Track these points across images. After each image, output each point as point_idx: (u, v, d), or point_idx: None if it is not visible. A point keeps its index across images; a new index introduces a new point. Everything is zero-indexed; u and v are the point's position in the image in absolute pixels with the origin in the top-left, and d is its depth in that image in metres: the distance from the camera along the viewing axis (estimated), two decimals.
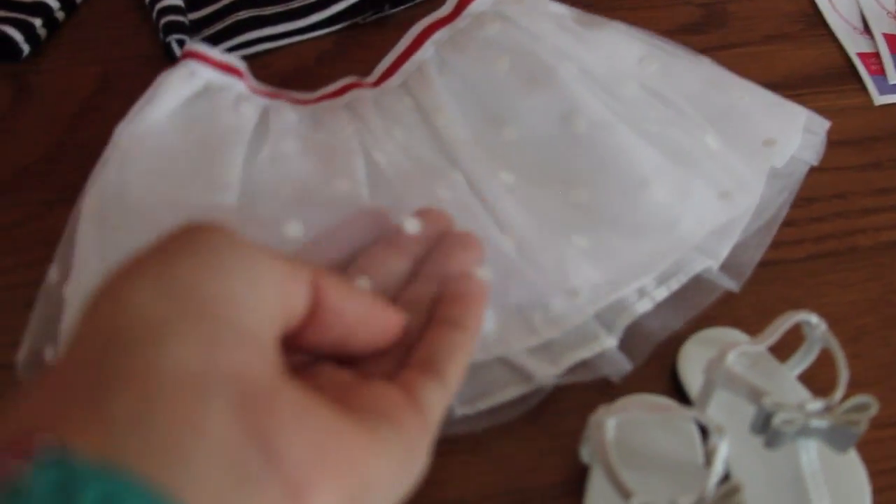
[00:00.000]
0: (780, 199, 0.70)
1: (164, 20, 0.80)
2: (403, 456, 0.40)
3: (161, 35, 0.80)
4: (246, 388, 0.34)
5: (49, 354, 0.62)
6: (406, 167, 0.67)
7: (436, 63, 0.74)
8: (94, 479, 0.29)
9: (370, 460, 0.37)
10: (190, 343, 0.34)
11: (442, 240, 0.52)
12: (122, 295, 0.35)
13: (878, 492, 0.59)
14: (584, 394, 0.63)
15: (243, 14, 0.81)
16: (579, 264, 0.64)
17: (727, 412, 0.60)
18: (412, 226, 0.52)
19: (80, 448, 0.30)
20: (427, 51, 0.75)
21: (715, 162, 0.68)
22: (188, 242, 0.37)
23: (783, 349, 0.63)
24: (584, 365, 0.62)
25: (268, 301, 0.37)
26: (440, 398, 0.44)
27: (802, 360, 0.62)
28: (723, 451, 0.53)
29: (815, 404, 0.56)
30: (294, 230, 0.61)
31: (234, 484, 0.32)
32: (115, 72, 0.80)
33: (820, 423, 0.55)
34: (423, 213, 0.53)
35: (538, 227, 0.65)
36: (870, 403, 0.55)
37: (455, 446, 0.61)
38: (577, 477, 0.60)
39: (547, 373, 0.62)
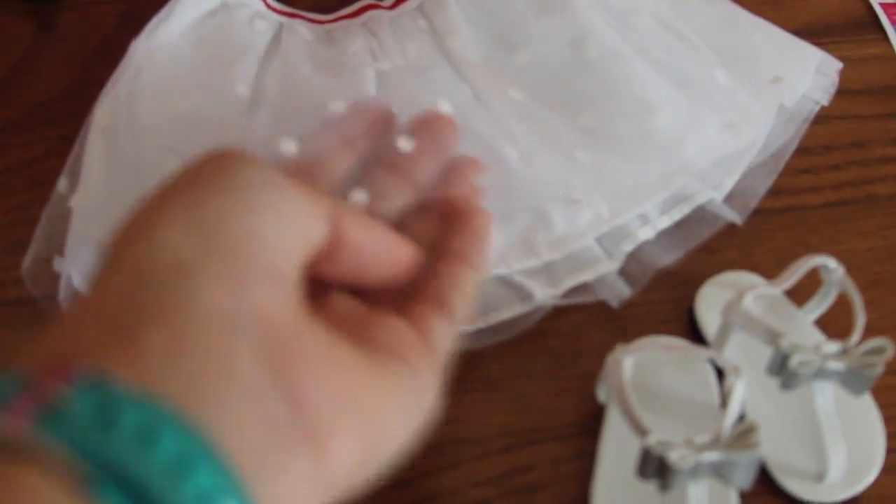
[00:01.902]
0: (787, 136, 0.70)
1: None
2: (417, 397, 0.40)
3: None
4: (271, 331, 0.34)
5: (57, 265, 0.62)
6: (411, 78, 0.67)
7: None
8: (133, 405, 0.30)
9: (387, 405, 0.38)
10: (218, 284, 0.34)
11: (449, 168, 0.51)
12: (153, 231, 0.35)
13: (892, 437, 0.60)
14: (601, 335, 0.63)
15: None
16: (582, 177, 0.64)
17: (743, 355, 0.61)
18: (405, 144, 0.50)
19: (116, 377, 0.31)
20: None
21: (723, 95, 0.68)
22: (218, 175, 0.37)
23: (801, 295, 0.63)
24: (583, 288, 0.63)
25: (292, 237, 0.37)
26: (449, 334, 0.44)
27: (819, 305, 0.63)
28: (739, 391, 0.54)
29: (832, 346, 0.56)
30: (289, 147, 0.62)
31: (262, 428, 0.32)
32: (136, 9, 0.80)
33: (836, 365, 0.55)
34: (423, 123, 0.51)
35: (542, 142, 0.65)
36: (886, 347, 0.55)
37: (473, 385, 0.62)
38: (594, 417, 0.60)
39: (546, 293, 0.62)
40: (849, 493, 0.57)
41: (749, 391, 0.57)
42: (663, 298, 0.65)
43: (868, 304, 0.61)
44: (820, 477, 0.57)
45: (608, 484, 0.57)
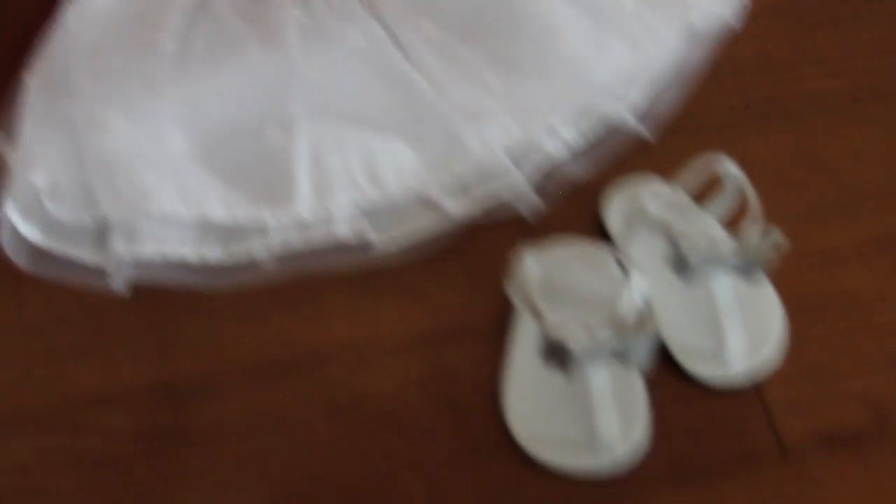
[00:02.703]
0: (697, 55, 0.74)
1: None
2: None
3: None
4: None
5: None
6: (327, 18, 0.72)
7: None
8: None
9: None
10: None
11: None
12: None
13: (796, 322, 0.63)
14: (512, 240, 0.66)
15: None
16: (491, 97, 0.69)
17: (648, 253, 0.64)
18: None
19: None
20: None
21: (629, 17, 0.72)
22: None
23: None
24: (499, 204, 0.67)
25: None
26: None
27: (722, 203, 0.65)
28: (635, 278, 0.57)
29: (726, 238, 0.59)
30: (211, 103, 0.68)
31: None
32: None
33: (730, 255, 0.59)
34: None
35: (453, 70, 0.70)
36: (777, 235, 0.58)
37: (389, 290, 0.66)
38: (505, 315, 0.63)
39: (462, 209, 0.67)
40: (746, 370, 0.61)
41: (654, 288, 0.61)
42: (575, 209, 0.68)
43: (771, 201, 0.65)
44: (719, 357, 0.60)
45: (519, 377, 0.61)
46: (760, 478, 0.57)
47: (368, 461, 0.60)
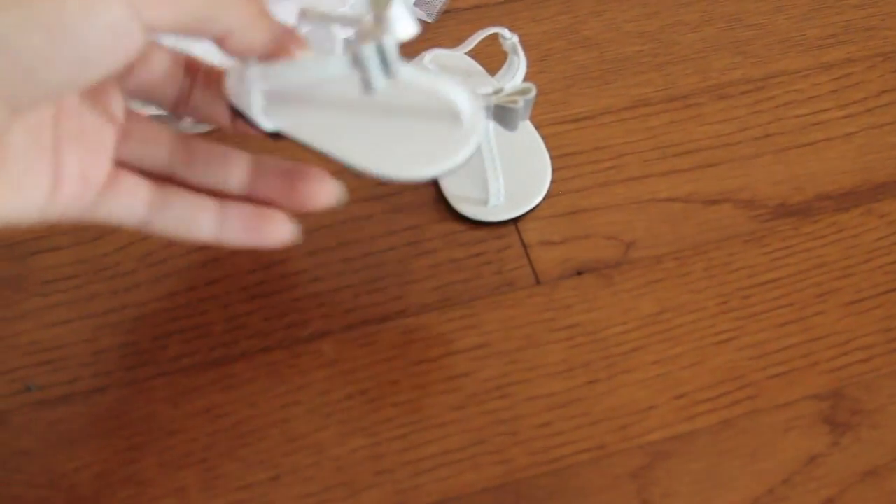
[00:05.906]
0: None
1: None
2: None
3: None
4: None
5: None
6: None
7: None
8: None
9: None
10: None
11: None
12: None
13: (556, 170, 0.71)
14: None
15: None
16: None
17: None
18: None
19: None
20: None
21: None
22: None
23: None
24: None
25: None
26: None
27: (508, 72, 0.71)
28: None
29: (486, 89, 0.66)
30: None
31: None
32: None
33: (486, 102, 0.66)
34: None
35: None
36: (530, 88, 0.65)
37: None
38: None
39: None
40: (511, 214, 0.68)
41: None
42: None
43: (539, 72, 0.73)
44: (485, 199, 0.68)
45: None
46: (517, 302, 0.65)
47: None
